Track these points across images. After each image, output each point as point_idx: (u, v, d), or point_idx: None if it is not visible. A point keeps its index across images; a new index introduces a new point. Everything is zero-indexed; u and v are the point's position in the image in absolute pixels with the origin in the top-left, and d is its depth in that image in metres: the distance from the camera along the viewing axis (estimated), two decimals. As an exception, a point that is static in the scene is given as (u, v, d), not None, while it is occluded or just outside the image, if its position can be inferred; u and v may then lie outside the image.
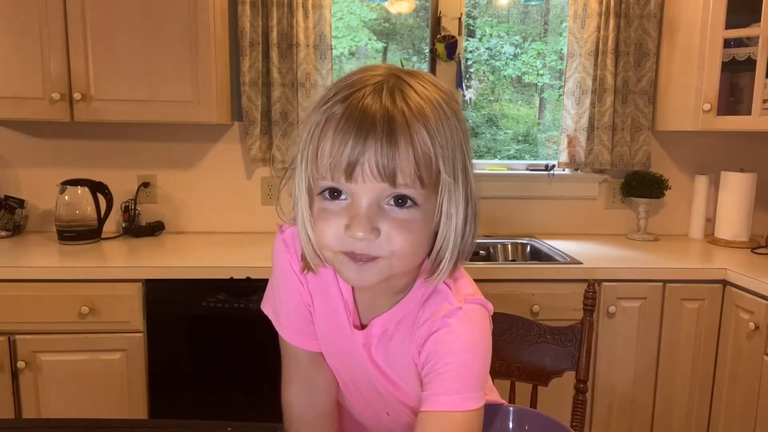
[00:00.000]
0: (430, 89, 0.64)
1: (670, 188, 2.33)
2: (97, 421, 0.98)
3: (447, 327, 0.69)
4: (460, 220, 0.65)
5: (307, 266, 0.72)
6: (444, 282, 0.71)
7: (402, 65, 0.89)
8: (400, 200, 0.62)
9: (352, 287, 0.76)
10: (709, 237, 2.33)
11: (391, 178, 0.60)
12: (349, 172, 0.60)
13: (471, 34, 2.59)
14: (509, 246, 2.30)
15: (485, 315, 0.73)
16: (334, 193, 0.64)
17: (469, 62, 2.61)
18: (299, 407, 0.83)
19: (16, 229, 2.21)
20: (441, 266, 0.67)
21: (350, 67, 2.65)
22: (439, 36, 2.30)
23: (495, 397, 0.98)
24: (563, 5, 2.55)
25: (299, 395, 0.83)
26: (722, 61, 2.02)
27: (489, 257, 2.27)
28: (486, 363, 0.72)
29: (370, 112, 0.60)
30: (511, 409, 0.95)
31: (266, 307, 0.84)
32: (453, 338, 0.69)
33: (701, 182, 2.35)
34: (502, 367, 1.26)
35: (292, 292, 0.79)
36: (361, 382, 0.82)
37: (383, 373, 0.78)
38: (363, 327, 0.77)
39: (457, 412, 0.68)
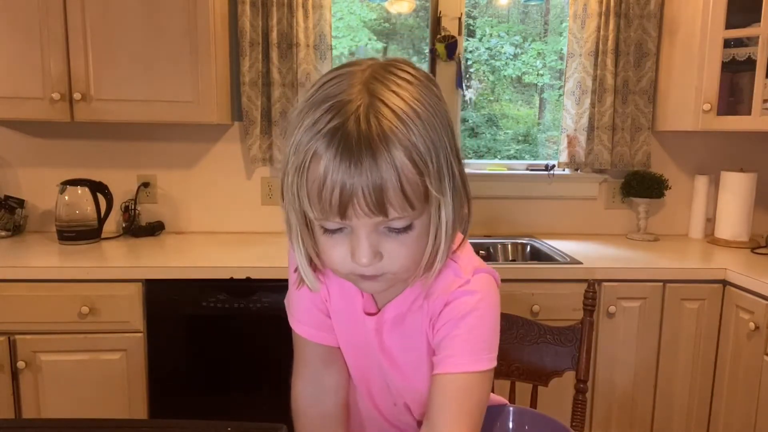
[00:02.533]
0: (406, 93, 0.63)
1: (670, 188, 2.33)
2: (97, 421, 0.98)
3: (459, 298, 0.73)
4: (450, 215, 0.67)
5: (302, 281, 0.74)
6: (449, 258, 0.73)
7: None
8: (396, 228, 0.65)
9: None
10: (709, 237, 2.33)
11: (383, 212, 0.62)
12: (342, 212, 0.62)
13: (471, 34, 2.59)
14: (509, 246, 2.30)
15: (493, 283, 0.77)
16: (334, 230, 0.66)
17: (469, 62, 2.61)
18: (306, 405, 0.84)
19: (16, 229, 2.21)
20: (438, 255, 0.69)
21: (350, 67, 2.64)
22: (439, 36, 2.30)
23: (496, 397, 0.99)
24: (563, 5, 2.55)
25: (307, 393, 0.84)
26: (722, 61, 2.02)
27: (489, 257, 2.27)
28: (496, 327, 0.76)
29: (353, 150, 0.59)
30: (511, 409, 0.96)
31: (292, 322, 0.86)
32: (465, 306, 0.73)
33: (701, 182, 2.35)
34: (502, 367, 1.26)
35: (308, 289, 0.79)
36: (372, 374, 0.84)
37: (393, 362, 0.81)
38: (373, 314, 0.80)
39: (469, 372, 0.71)
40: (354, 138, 0.60)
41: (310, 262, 0.73)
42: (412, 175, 0.62)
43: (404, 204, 0.62)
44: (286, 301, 0.86)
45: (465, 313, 0.73)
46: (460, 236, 0.73)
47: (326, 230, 0.66)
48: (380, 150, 0.60)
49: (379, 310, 0.79)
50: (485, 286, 0.75)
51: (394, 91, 0.63)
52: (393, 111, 0.61)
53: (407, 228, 0.65)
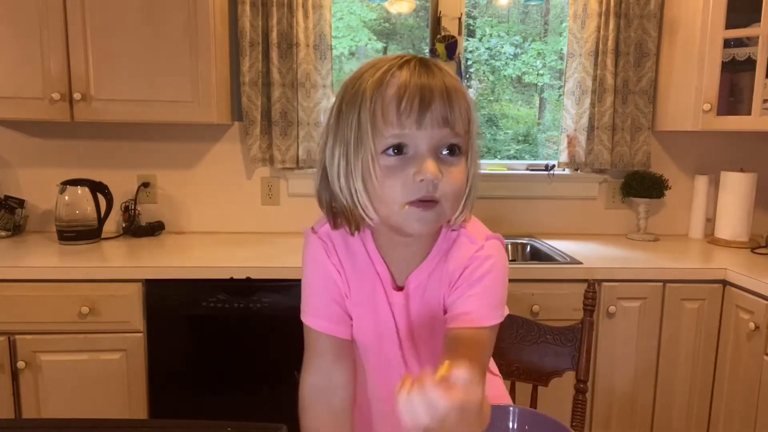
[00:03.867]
0: (452, 72, 0.78)
1: (670, 188, 2.33)
2: (97, 421, 0.98)
3: (476, 261, 0.81)
4: (477, 172, 0.80)
5: (341, 221, 0.82)
6: (461, 228, 0.84)
7: None
8: (451, 149, 0.75)
9: (383, 258, 0.86)
10: (709, 237, 2.33)
11: (451, 125, 0.73)
12: (420, 121, 0.72)
13: (471, 34, 2.59)
14: (509, 246, 2.30)
15: (501, 247, 0.86)
16: (397, 149, 0.73)
17: (469, 62, 2.61)
18: (314, 399, 0.86)
19: (16, 229, 2.21)
20: (463, 207, 0.79)
21: (350, 67, 2.65)
22: (439, 36, 2.30)
23: (501, 389, 1.03)
24: (563, 5, 2.55)
25: (316, 387, 0.86)
26: (722, 61, 2.02)
27: (489, 257, 2.26)
28: (506, 286, 0.84)
29: (428, 78, 0.73)
30: (511, 409, 0.95)
31: (304, 317, 0.89)
32: (482, 269, 0.81)
33: (701, 182, 2.35)
34: (501, 367, 1.26)
35: (327, 282, 0.86)
36: (392, 360, 0.88)
37: (413, 340, 0.87)
38: (399, 290, 0.86)
39: (484, 327, 0.79)
40: (427, 63, 0.75)
41: (350, 218, 0.80)
42: (466, 100, 0.75)
43: (462, 121, 0.74)
44: (303, 297, 0.89)
45: (481, 275, 0.80)
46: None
47: (390, 156, 0.73)
48: (452, 84, 0.74)
49: (400, 289, 0.86)
50: (497, 250, 0.84)
51: (440, 63, 0.77)
52: (444, 67, 0.77)
53: (458, 155, 0.76)
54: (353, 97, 0.75)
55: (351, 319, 0.88)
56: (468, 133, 0.77)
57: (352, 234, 0.83)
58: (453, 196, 0.76)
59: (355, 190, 0.76)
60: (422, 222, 0.75)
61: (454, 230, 0.84)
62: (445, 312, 0.83)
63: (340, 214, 0.81)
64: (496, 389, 1.06)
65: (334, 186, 0.79)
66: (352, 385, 0.88)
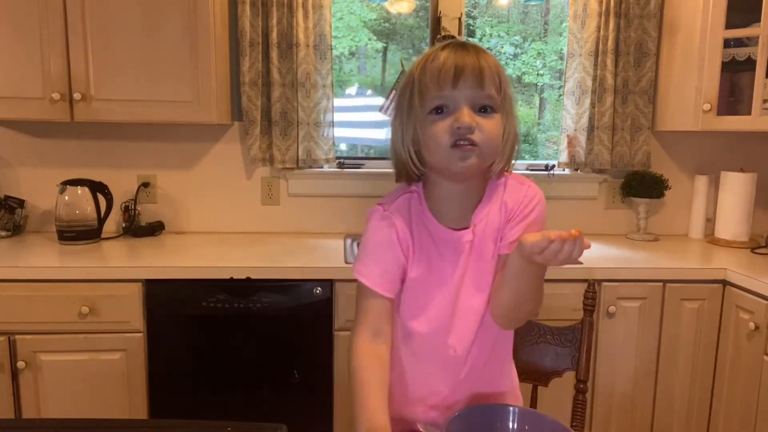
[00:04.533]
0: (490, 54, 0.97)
1: (670, 188, 2.33)
2: (97, 421, 0.98)
3: (528, 195, 1.00)
4: (512, 130, 0.98)
5: (406, 175, 1.01)
6: (505, 177, 1.02)
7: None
8: (485, 108, 0.93)
9: (432, 213, 1.01)
10: (709, 237, 2.33)
11: (481, 84, 0.92)
12: (455, 82, 0.91)
13: (471, 34, 2.59)
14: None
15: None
16: (440, 110, 0.93)
17: (469, 62, 2.60)
18: (364, 345, 0.99)
19: (16, 229, 2.21)
20: (504, 155, 0.98)
21: (350, 67, 2.65)
22: (439, 36, 2.30)
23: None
24: (563, 5, 2.55)
25: (366, 337, 1.00)
26: (722, 61, 2.02)
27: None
28: (545, 219, 1.03)
29: (462, 54, 0.93)
30: (511, 409, 0.96)
31: (356, 274, 1.02)
32: (533, 202, 0.99)
33: (701, 182, 2.35)
34: (502, 367, 1.26)
35: (392, 249, 1.00)
36: (443, 309, 1.00)
37: (468, 280, 1.00)
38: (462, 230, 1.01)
39: None
40: (464, 45, 0.95)
41: (408, 174, 1.00)
42: (497, 68, 0.94)
43: (492, 85, 0.92)
44: (355, 271, 1.02)
45: (531, 209, 0.99)
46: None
47: (434, 114, 0.93)
48: (480, 51, 0.95)
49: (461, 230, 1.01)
50: (538, 188, 1.03)
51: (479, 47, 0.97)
52: (482, 49, 0.96)
53: (491, 111, 0.93)
54: (407, 80, 0.98)
55: (403, 280, 1.01)
56: (500, 95, 0.94)
57: (409, 184, 1.03)
58: (489, 142, 0.93)
59: (406, 146, 0.97)
60: (464, 159, 0.92)
61: (498, 179, 1.01)
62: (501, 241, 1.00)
63: (402, 170, 1.01)
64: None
65: (396, 148, 0.99)
66: (391, 340, 1.02)
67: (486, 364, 1.03)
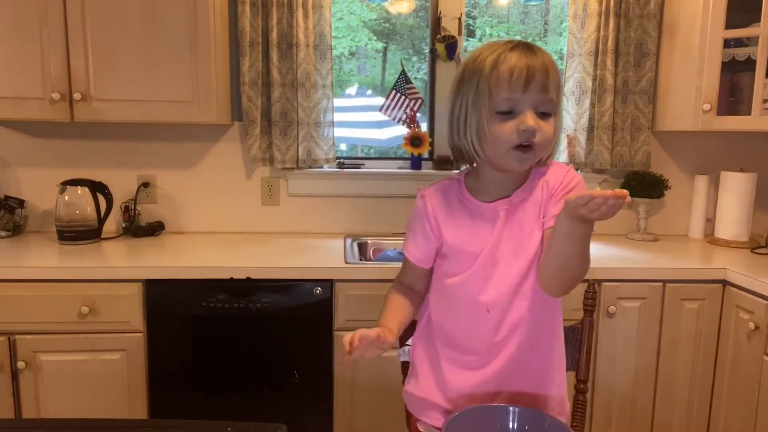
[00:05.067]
0: (547, 53, 1.04)
1: (670, 188, 2.33)
2: (97, 421, 0.98)
3: (568, 175, 1.08)
4: (560, 128, 1.08)
5: (462, 159, 1.10)
6: (548, 165, 1.11)
7: (402, 66, 1.18)
8: (544, 114, 1.01)
9: (472, 194, 1.11)
10: (709, 237, 2.33)
11: (546, 89, 1.00)
12: (526, 86, 0.98)
13: (471, 34, 2.59)
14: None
15: None
16: (506, 113, 1.00)
17: (469, 62, 2.60)
18: (397, 288, 1.20)
19: (16, 229, 2.21)
20: (554, 149, 1.08)
21: (350, 67, 2.65)
22: (439, 36, 2.30)
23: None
24: (563, 5, 2.55)
25: (401, 289, 1.19)
26: (722, 61, 2.02)
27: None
28: None
29: (532, 58, 1.00)
30: (511, 409, 0.96)
31: (403, 248, 1.21)
32: (573, 182, 1.07)
33: (701, 182, 2.35)
34: (502, 367, 1.26)
35: (424, 228, 1.13)
36: (480, 273, 1.08)
37: (505, 246, 1.07)
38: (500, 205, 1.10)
39: None
40: (531, 47, 1.02)
41: (466, 158, 1.09)
42: (558, 73, 1.02)
43: (555, 89, 1.01)
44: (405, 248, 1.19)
45: (575, 185, 1.06)
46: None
47: (502, 113, 1.00)
48: (545, 54, 1.02)
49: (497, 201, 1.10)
50: (577, 173, 1.11)
51: (539, 47, 1.04)
52: (543, 49, 1.03)
53: (550, 115, 1.02)
54: (473, 70, 1.03)
55: (437, 255, 1.14)
56: (557, 98, 1.03)
57: (470, 164, 1.12)
58: (545, 144, 1.02)
59: (469, 137, 1.04)
60: (521, 161, 1.02)
61: (542, 167, 1.09)
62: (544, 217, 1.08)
63: (459, 154, 1.09)
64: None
65: (457, 133, 1.06)
66: (421, 299, 1.19)
67: (525, 341, 1.08)
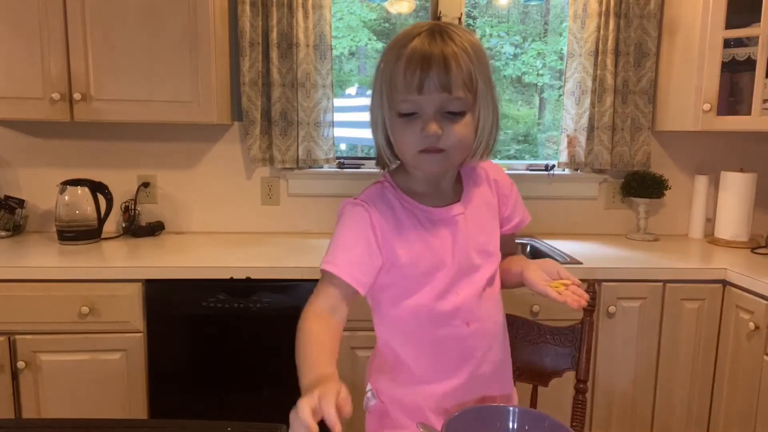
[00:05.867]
0: (466, 34, 0.92)
1: (670, 188, 2.33)
2: (97, 421, 0.98)
3: (503, 174, 1.09)
4: (488, 120, 0.95)
5: (382, 162, 1.01)
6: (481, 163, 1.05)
7: None
8: (454, 114, 0.91)
9: (414, 199, 1.01)
10: (709, 237, 2.33)
11: (449, 90, 0.88)
12: (421, 87, 0.88)
13: (471, 34, 2.59)
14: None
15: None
16: (409, 114, 0.91)
17: (469, 62, 2.60)
18: (316, 316, 0.92)
19: (16, 229, 2.21)
20: (479, 149, 0.97)
21: (350, 67, 2.65)
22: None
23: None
24: (563, 5, 2.55)
25: (319, 309, 0.93)
26: (722, 61, 2.02)
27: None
28: None
29: (429, 49, 0.88)
30: (511, 409, 0.96)
31: (324, 264, 0.97)
32: (507, 179, 1.10)
33: (701, 182, 2.35)
34: (502, 367, 1.26)
35: (369, 243, 0.97)
36: (453, 275, 1.00)
37: (466, 248, 1.01)
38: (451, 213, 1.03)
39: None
40: (433, 44, 0.89)
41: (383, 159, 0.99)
42: (467, 65, 0.89)
43: (461, 86, 0.89)
44: (325, 263, 0.96)
45: (511, 184, 1.10)
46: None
47: (403, 115, 0.91)
48: (452, 51, 0.88)
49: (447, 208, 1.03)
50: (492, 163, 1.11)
51: (458, 31, 0.92)
52: (459, 35, 0.91)
53: (461, 114, 0.91)
54: (382, 60, 0.94)
55: (384, 269, 0.98)
56: (471, 92, 0.91)
57: (383, 169, 1.02)
58: (457, 146, 0.92)
59: (381, 139, 0.97)
60: (432, 163, 0.94)
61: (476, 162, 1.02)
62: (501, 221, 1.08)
63: (379, 156, 1.01)
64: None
65: (374, 132, 0.98)
66: (343, 324, 0.96)
67: (502, 345, 1.07)
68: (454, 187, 1.04)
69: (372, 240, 0.96)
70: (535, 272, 1.03)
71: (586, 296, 0.92)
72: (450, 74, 0.87)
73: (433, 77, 0.87)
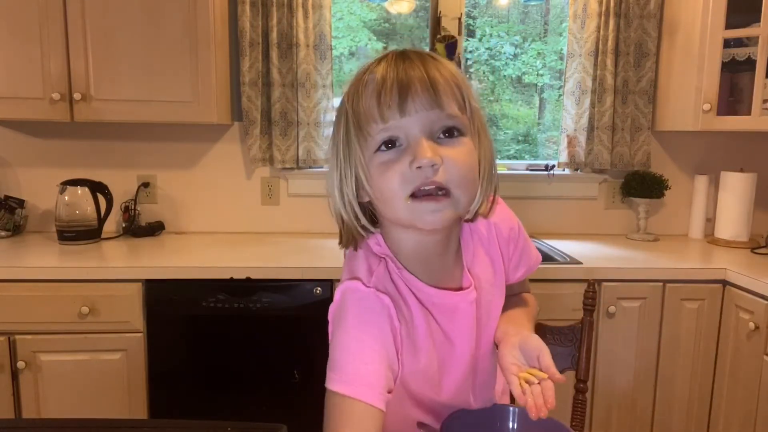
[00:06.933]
0: (442, 58, 0.74)
1: (670, 188, 2.33)
2: (97, 421, 0.98)
3: (510, 218, 0.92)
4: (488, 151, 0.74)
5: (351, 241, 0.78)
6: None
7: None
8: (449, 131, 0.70)
9: (422, 294, 0.79)
10: (709, 237, 2.33)
11: (439, 103, 0.68)
12: (403, 107, 0.68)
13: (471, 34, 2.59)
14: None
15: (502, 203, 0.93)
16: (390, 144, 0.70)
17: (469, 62, 2.61)
18: None
19: (16, 229, 2.21)
20: (482, 193, 0.74)
21: (350, 67, 2.65)
22: (439, 36, 2.30)
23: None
24: (563, 5, 2.55)
25: None
26: (722, 61, 2.02)
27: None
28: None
29: (405, 67, 0.69)
30: (511, 409, 0.95)
31: (337, 384, 0.73)
32: (515, 225, 0.94)
33: (701, 182, 2.35)
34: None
35: (387, 352, 0.74)
36: (463, 373, 0.86)
37: (485, 329, 0.86)
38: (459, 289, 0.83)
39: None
40: (405, 53, 0.71)
41: (358, 227, 0.76)
42: (454, 80, 0.70)
43: (453, 100, 0.69)
44: (331, 363, 0.75)
45: (518, 230, 0.93)
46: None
47: (382, 151, 0.69)
48: (428, 59, 0.70)
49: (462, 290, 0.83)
50: (502, 207, 0.93)
51: (428, 52, 0.74)
52: (435, 57, 0.73)
53: (459, 134, 0.71)
54: (339, 112, 0.74)
55: (397, 377, 0.77)
56: (467, 113, 0.71)
57: (348, 247, 0.80)
58: (462, 180, 0.70)
59: (351, 204, 0.74)
60: (434, 213, 0.69)
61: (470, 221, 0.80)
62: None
63: (348, 233, 0.78)
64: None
65: (335, 206, 0.76)
66: None
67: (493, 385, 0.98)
68: (457, 250, 0.84)
69: (391, 346, 0.74)
70: (510, 352, 0.79)
71: (552, 403, 0.71)
72: (437, 84, 0.68)
73: (417, 93, 0.68)
